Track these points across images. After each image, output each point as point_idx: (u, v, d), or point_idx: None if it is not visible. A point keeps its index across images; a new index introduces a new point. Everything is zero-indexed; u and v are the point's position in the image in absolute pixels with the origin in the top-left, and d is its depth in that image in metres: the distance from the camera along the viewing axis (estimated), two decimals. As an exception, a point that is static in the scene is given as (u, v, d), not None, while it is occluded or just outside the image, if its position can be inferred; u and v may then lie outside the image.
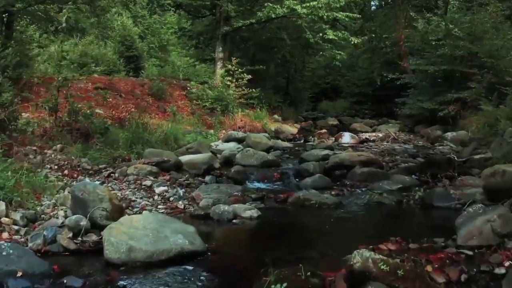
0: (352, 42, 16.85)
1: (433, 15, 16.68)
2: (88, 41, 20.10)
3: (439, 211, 6.60)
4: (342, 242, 5.02)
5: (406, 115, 17.11)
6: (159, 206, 6.31)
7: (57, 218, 5.24)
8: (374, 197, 7.00)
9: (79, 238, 4.72)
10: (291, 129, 16.92)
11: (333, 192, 7.37)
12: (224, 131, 14.01)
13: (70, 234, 4.76)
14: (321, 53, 19.17)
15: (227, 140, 11.77)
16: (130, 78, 17.40)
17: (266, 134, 12.67)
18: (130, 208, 6.14)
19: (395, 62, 18.86)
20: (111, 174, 7.37)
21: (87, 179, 7.00)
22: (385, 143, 13.09)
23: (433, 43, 15.54)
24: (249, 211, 5.92)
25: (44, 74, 13.54)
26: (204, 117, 15.27)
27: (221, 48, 17.96)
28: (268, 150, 10.91)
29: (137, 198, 6.49)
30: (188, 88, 16.93)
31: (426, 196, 6.91)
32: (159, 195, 6.71)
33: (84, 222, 4.78)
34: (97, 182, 6.95)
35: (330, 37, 16.31)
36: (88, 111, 9.00)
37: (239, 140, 11.67)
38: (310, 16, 16.07)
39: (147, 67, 19.05)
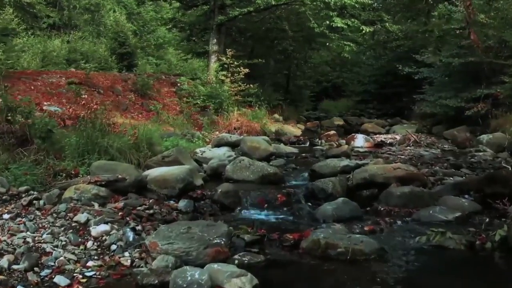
0: (363, 31, 14.06)
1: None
2: (78, 37, 17.54)
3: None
4: None
5: (422, 114, 14.36)
6: (88, 263, 3.58)
7: None
8: (435, 239, 4.29)
9: None
10: (294, 130, 14.17)
11: (366, 228, 4.71)
12: (217, 132, 11.27)
13: None
14: (327, 44, 16.29)
15: (218, 144, 8.97)
16: (111, 73, 14.67)
17: (266, 138, 9.82)
18: (38, 268, 3.43)
19: (408, 56, 16.02)
20: (34, 201, 4.62)
21: (-9, 211, 4.28)
22: (407, 147, 10.33)
23: (457, 32, 12.80)
24: (237, 279, 3.19)
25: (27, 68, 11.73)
26: (194, 117, 12.56)
27: (215, 40, 15.16)
28: (268, 157, 8.20)
29: (57, 247, 3.76)
30: (178, 84, 14.18)
31: (512, 236, 4.23)
32: (95, 239, 3.97)
33: None
34: (6, 216, 4.24)
35: (339, 25, 13.51)
36: (26, 109, 6.23)
37: (233, 145, 8.90)
38: (315, 3, 13.30)
39: (140, 64, 16.35)
